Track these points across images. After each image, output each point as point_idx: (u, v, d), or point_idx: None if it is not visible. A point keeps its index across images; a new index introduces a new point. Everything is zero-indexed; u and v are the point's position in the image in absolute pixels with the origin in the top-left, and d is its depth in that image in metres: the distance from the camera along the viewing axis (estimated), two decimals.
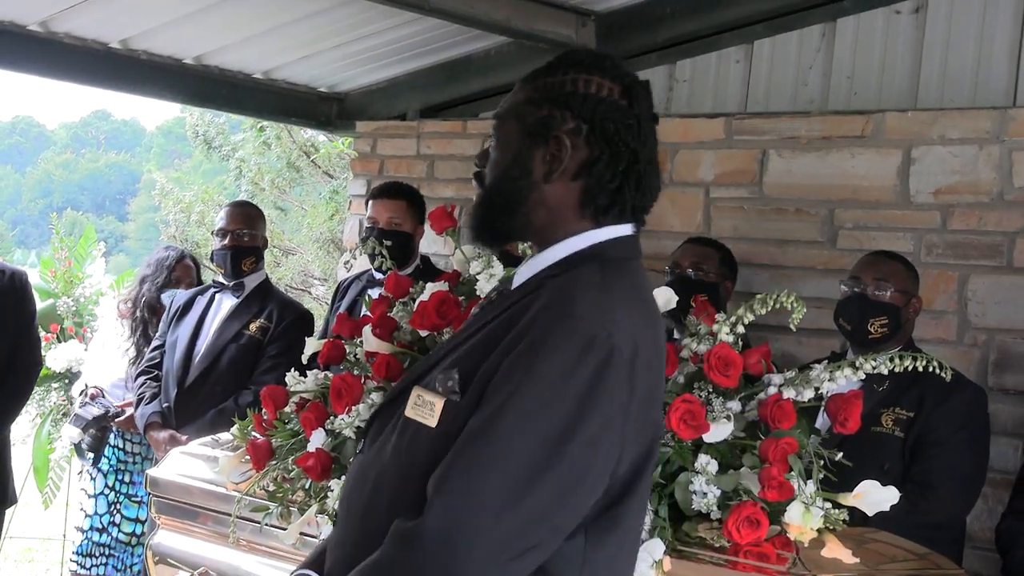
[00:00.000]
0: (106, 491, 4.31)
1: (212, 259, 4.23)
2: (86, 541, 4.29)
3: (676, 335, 3.02)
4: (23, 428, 5.25)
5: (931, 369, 2.29)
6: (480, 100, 4.88)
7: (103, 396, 4.38)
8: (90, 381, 4.51)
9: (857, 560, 2.18)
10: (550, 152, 1.65)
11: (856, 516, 2.28)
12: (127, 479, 4.32)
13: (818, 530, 2.18)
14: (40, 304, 4.85)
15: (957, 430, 2.98)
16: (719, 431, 2.23)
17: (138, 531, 4.26)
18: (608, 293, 1.60)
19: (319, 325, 4.48)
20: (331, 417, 2.48)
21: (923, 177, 3.65)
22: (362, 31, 4.43)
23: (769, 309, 2.34)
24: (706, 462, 2.20)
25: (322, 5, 4.18)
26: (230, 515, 2.55)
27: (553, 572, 1.57)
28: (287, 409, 2.65)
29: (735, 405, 2.27)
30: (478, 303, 2.07)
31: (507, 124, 1.71)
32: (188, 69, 4.79)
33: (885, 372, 2.33)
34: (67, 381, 5.12)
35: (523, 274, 1.71)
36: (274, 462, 2.55)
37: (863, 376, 2.35)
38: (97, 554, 4.27)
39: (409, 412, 1.64)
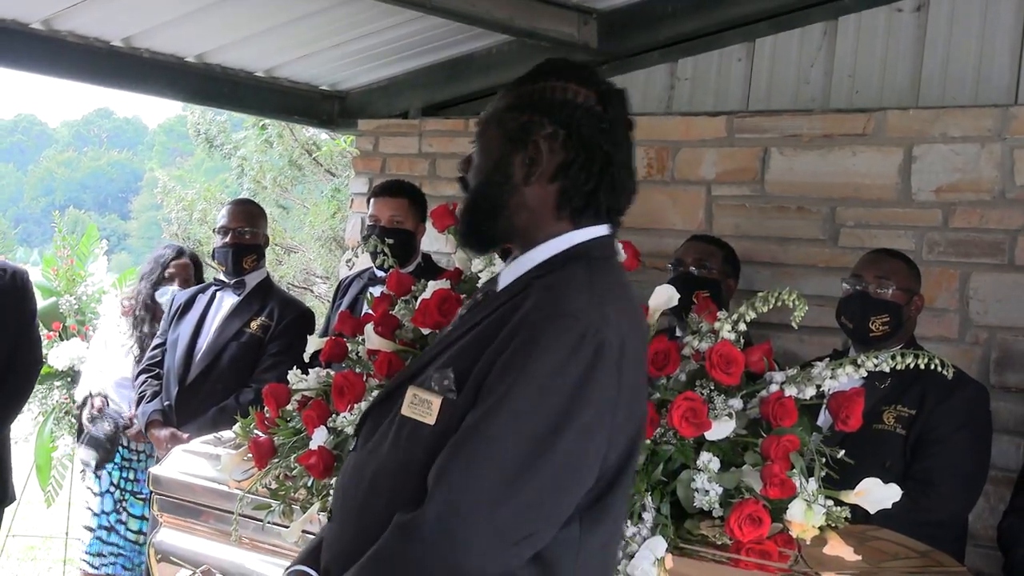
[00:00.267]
0: (112, 489, 4.31)
1: (214, 257, 4.23)
2: (96, 540, 4.29)
3: (678, 332, 3.03)
4: (25, 426, 5.25)
5: (933, 367, 2.29)
6: (482, 98, 4.86)
7: (107, 405, 4.37)
8: (92, 382, 4.49)
9: (859, 558, 2.18)
10: (529, 156, 1.72)
11: (858, 514, 2.28)
12: (132, 476, 4.32)
13: (820, 528, 2.19)
14: (42, 302, 4.86)
15: (959, 428, 2.98)
16: (721, 429, 2.23)
17: (145, 529, 4.25)
18: (596, 291, 1.65)
19: (320, 323, 4.48)
20: (333, 415, 2.49)
21: (925, 175, 3.64)
22: (364, 29, 4.42)
23: (771, 307, 2.34)
24: (708, 460, 2.21)
25: (324, 3, 4.18)
26: (232, 513, 2.55)
27: (551, 559, 1.62)
28: (289, 407, 2.65)
29: (737, 403, 2.28)
30: (464, 304, 2.09)
31: (489, 130, 1.78)
32: (190, 67, 4.79)
33: (887, 370, 2.34)
34: (69, 379, 5.10)
35: (509, 275, 1.77)
36: (276, 460, 2.56)
37: (865, 374, 2.35)
38: (107, 553, 4.28)
39: (406, 411, 1.69)
